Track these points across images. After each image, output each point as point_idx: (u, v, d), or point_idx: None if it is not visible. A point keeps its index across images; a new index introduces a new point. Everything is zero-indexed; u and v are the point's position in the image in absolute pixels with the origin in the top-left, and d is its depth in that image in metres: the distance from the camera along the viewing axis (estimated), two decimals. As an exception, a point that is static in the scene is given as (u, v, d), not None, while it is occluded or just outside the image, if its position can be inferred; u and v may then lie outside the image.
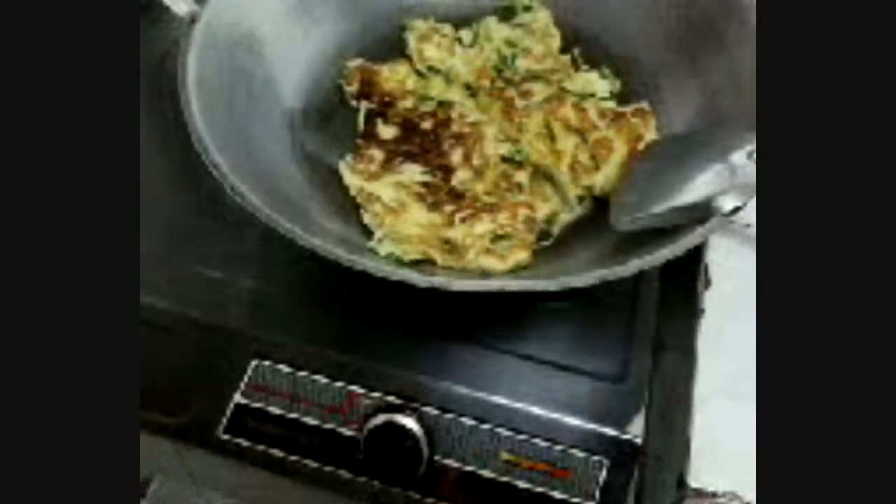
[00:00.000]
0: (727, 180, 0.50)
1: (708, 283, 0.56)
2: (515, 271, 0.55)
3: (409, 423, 0.52)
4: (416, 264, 0.55)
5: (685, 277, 0.56)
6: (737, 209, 0.49)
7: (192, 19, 0.57)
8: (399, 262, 0.54)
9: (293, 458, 0.53)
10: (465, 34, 0.70)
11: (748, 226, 0.56)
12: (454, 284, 0.47)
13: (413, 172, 0.60)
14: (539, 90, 0.65)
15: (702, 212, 0.49)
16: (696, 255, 0.54)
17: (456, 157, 0.62)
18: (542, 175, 0.61)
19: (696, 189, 0.50)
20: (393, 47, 0.69)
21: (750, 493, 0.48)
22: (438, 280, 0.47)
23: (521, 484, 0.51)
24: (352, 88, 0.66)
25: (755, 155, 0.50)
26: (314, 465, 0.52)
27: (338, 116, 0.65)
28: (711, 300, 0.55)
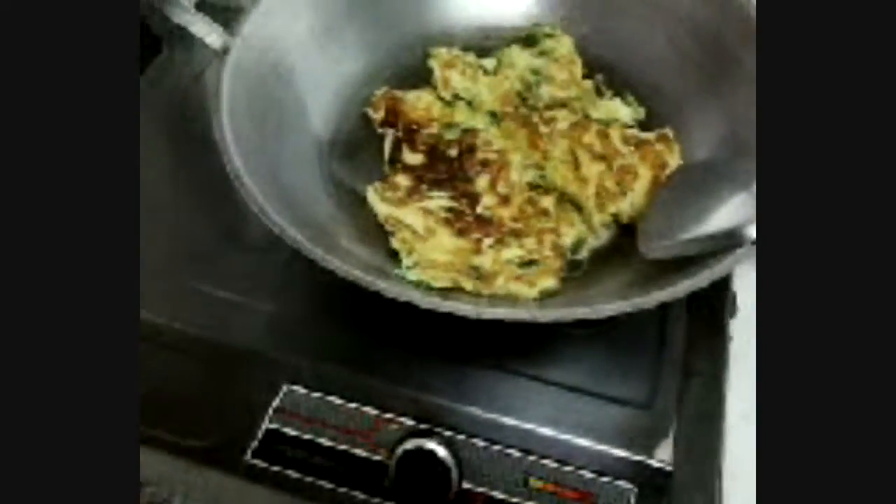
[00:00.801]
0: (753, 209, 0.50)
1: (734, 312, 0.56)
2: (544, 297, 0.56)
3: (439, 449, 0.52)
4: (445, 291, 0.55)
5: (712, 305, 0.57)
6: (765, 238, 0.49)
7: (225, 50, 0.58)
8: (429, 289, 0.55)
9: (322, 483, 0.53)
10: (489, 62, 0.71)
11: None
12: (486, 314, 0.48)
13: (440, 199, 0.61)
14: (563, 117, 0.66)
15: (730, 240, 0.50)
16: (723, 283, 0.55)
17: (482, 183, 0.62)
18: (568, 202, 0.62)
19: (723, 218, 0.51)
20: (418, 75, 0.70)
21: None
22: (471, 309, 0.47)
23: (551, 510, 0.51)
24: (378, 116, 0.67)
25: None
26: (343, 490, 0.53)
27: (365, 144, 0.66)
28: (742, 326, 0.55)
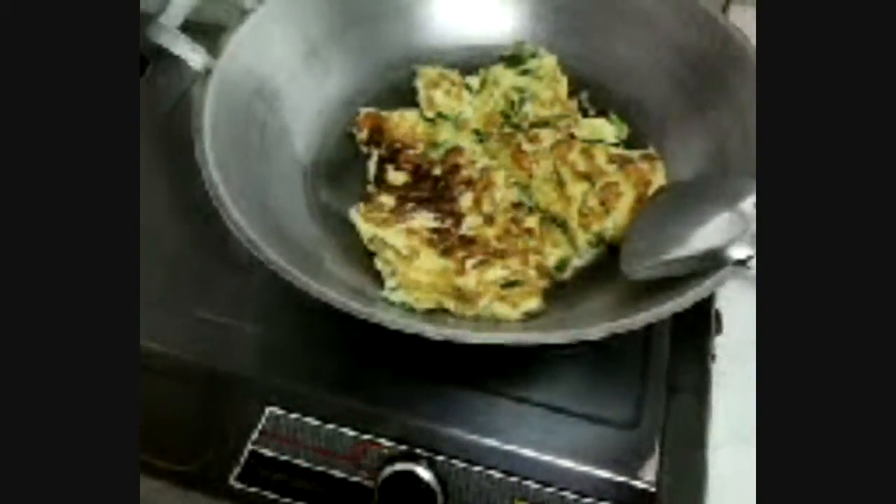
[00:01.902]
0: (737, 229, 0.50)
1: (719, 329, 0.56)
2: (528, 318, 0.56)
3: (423, 472, 0.52)
4: (428, 313, 0.55)
5: (696, 324, 0.57)
6: (747, 259, 0.49)
7: (207, 71, 0.58)
8: (412, 311, 0.54)
9: (306, 506, 0.53)
10: (473, 80, 0.71)
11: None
12: (468, 337, 0.47)
13: (424, 219, 0.61)
14: (547, 136, 0.65)
15: (712, 261, 0.50)
16: (706, 302, 0.55)
17: (466, 202, 0.62)
18: (552, 221, 0.62)
19: (706, 238, 0.51)
20: (403, 94, 0.70)
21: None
22: (452, 333, 0.47)
23: (536, 533, 0.51)
24: (362, 135, 0.67)
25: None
26: (328, 513, 0.52)
27: (350, 164, 0.66)
28: (726, 345, 0.55)
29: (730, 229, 0.51)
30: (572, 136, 0.66)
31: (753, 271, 0.57)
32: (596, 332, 0.47)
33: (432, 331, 0.47)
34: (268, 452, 0.55)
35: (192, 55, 0.58)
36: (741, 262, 0.49)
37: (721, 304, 0.57)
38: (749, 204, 0.51)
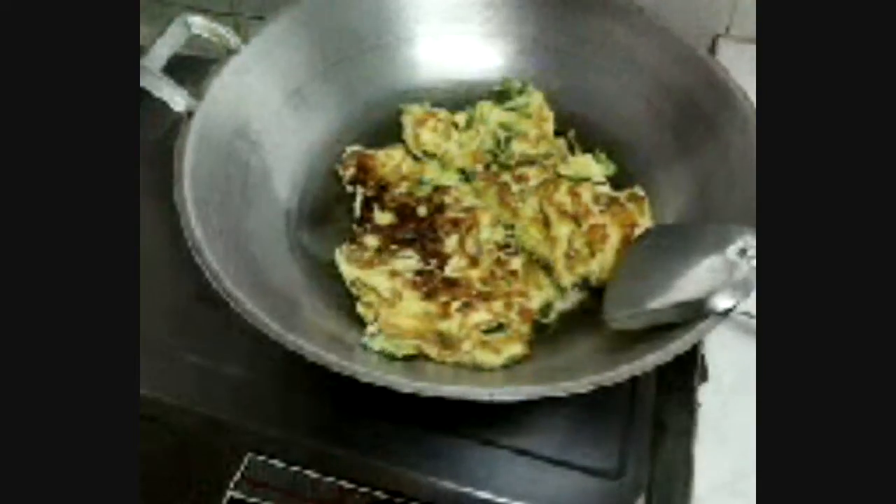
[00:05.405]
0: (721, 278, 0.49)
1: (704, 377, 0.55)
2: (510, 364, 0.55)
3: (404, 521, 0.51)
4: (409, 359, 0.54)
5: (682, 372, 0.56)
6: (731, 309, 0.48)
7: (190, 113, 0.58)
8: (392, 357, 0.54)
9: (286, 554, 0.52)
10: (460, 118, 0.70)
11: (746, 314, 0.56)
12: (442, 391, 0.47)
13: (408, 260, 0.60)
14: (534, 174, 0.65)
15: (696, 310, 0.49)
16: (692, 349, 0.54)
17: (451, 243, 0.61)
18: (537, 263, 0.61)
19: (688, 287, 0.50)
20: (389, 132, 0.70)
21: None
22: (423, 386, 0.46)
23: (518, 587, 0.50)
24: (348, 174, 0.66)
25: (748, 252, 0.50)
26: (307, 563, 0.51)
27: (335, 204, 0.65)
28: (712, 393, 0.54)
29: (713, 278, 0.50)
30: (559, 175, 0.65)
31: (746, 319, 0.56)
32: (578, 387, 0.46)
33: (403, 384, 0.46)
34: (247, 499, 0.54)
35: (175, 98, 0.57)
36: (725, 312, 0.49)
37: (708, 350, 0.56)
38: (733, 251, 0.51)
